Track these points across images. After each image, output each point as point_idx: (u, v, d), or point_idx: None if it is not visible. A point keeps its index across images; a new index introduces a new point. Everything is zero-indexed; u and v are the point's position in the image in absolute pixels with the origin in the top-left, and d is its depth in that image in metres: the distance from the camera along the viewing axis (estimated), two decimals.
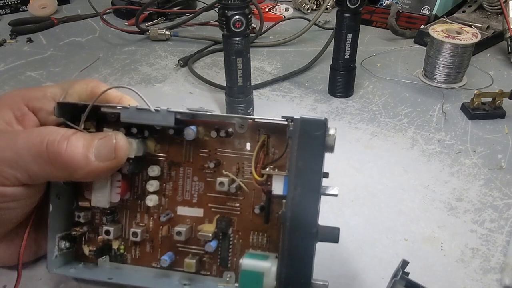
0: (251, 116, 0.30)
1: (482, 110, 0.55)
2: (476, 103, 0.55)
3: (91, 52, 0.76)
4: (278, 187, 0.28)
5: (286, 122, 0.28)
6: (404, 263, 0.31)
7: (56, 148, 0.27)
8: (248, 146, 0.31)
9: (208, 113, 0.29)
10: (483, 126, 0.54)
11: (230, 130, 0.31)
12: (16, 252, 0.30)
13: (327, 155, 0.28)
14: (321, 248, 0.29)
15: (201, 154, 0.32)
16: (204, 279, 0.32)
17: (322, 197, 0.28)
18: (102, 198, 0.31)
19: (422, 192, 0.44)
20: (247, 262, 0.27)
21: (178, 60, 0.71)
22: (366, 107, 0.59)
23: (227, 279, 0.31)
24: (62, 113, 0.30)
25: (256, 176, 0.29)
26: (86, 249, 0.33)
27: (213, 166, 0.31)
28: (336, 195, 0.28)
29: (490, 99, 0.56)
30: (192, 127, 0.30)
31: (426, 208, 0.42)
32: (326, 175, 0.29)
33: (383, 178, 0.46)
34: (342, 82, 0.60)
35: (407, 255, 0.36)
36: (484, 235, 0.39)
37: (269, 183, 0.29)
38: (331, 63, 0.60)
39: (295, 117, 0.27)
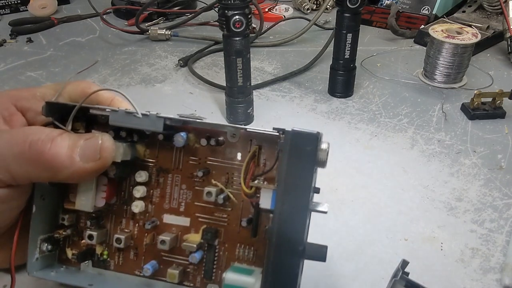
0: (243, 126, 0.29)
1: (482, 110, 0.55)
2: (476, 103, 0.55)
3: (91, 52, 0.76)
4: (266, 201, 0.27)
5: (277, 134, 0.27)
6: (404, 263, 0.31)
7: (40, 148, 0.27)
8: (239, 156, 0.30)
9: (198, 120, 0.29)
10: (483, 126, 0.54)
11: (221, 138, 0.30)
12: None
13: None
14: None
15: (191, 162, 0.31)
16: None
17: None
18: (86, 201, 0.30)
19: (421, 192, 0.44)
20: (230, 277, 0.27)
21: (178, 60, 0.71)
22: (366, 107, 0.59)
23: None
24: (51, 113, 0.29)
25: (244, 188, 0.28)
26: (69, 253, 0.32)
27: (202, 175, 0.30)
28: (325, 212, 0.27)
29: (490, 99, 0.56)
30: (182, 133, 0.29)
31: (426, 208, 0.42)
32: (317, 190, 0.28)
33: (383, 178, 0.46)
34: (342, 82, 0.60)
35: (407, 255, 0.36)
36: (484, 235, 0.39)
37: (258, 195, 0.28)
38: (331, 63, 0.60)
39: (286, 129, 0.26)
